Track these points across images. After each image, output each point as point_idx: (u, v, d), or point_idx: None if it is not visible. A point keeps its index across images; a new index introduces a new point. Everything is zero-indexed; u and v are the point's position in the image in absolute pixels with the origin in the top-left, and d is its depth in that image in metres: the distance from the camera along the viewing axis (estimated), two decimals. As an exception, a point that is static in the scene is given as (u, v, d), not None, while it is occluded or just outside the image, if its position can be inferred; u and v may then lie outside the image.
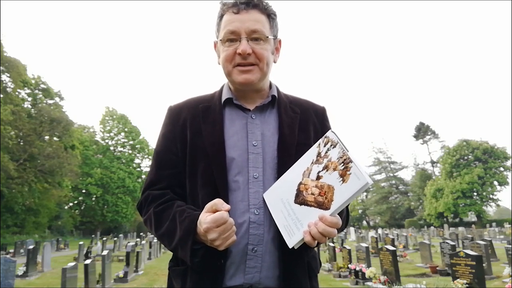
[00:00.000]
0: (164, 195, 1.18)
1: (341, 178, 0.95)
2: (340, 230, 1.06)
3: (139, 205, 1.24)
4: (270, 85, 1.30)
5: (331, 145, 1.01)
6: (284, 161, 1.15)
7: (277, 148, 1.17)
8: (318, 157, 1.03)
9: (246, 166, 1.14)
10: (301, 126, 1.24)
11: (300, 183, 1.04)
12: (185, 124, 1.23)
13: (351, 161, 0.95)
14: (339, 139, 1.00)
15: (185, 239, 1.05)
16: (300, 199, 1.02)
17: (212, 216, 0.98)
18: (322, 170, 1.01)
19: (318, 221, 0.96)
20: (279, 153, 1.16)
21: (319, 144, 1.05)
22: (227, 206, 1.00)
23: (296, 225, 1.00)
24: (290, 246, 1.01)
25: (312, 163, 1.04)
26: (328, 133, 1.04)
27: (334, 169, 0.98)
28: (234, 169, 1.14)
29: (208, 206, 1.02)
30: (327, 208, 0.96)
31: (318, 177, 1.01)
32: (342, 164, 0.97)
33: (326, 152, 1.02)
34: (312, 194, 1.00)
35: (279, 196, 1.07)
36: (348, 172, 0.95)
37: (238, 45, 1.15)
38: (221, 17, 1.21)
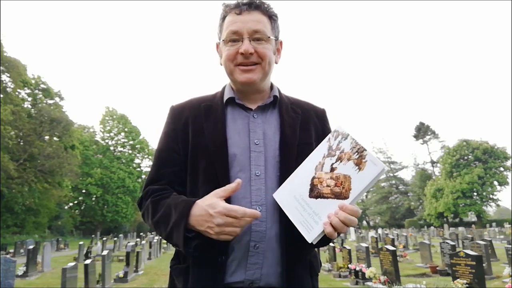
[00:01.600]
0: (163, 189, 1.19)
1: (357, 167, 0.97)
2: (323, 244, 1.08)
3: (139, 201, 1.26)
4: (272, 86, 1.32)
5: (342, 138, 1.03)
6: (286, 160, 1.17)
7: (279, 147, 1.19)
8: (330, 151, 1.05)
9: (248, 164, 1.15)
10: (302, 126, 1.26)
11: (314, 178, 1.04)
12: (187, 123, 1.24)
13: (365, 150, 0.97)
14: (348, 132, 1.02)
15: (179, 221, 1.05)
16: (315, 193, 1.02)
17: (231, 206, 1.00)
18: (336, 162, 1.02)
19: (338, 210, 0.96)
20: (281, 152, 1.18)
21: (329, 139, 1.07)
22: (250, 210, 1.01)
23: (313, 219, 1.00)
24: (310, 241, 1.00)
25: (323, 157, 1.05)
26: (337, 127, 1.06)
27: (349, 159, 0.99)
28: (236, 166, 1.15)
29: (220, 191, 1.03)
30: (345, 198, 0.97)
31: (332, 169, 1.02)
32: (356, 153, 0.99)
33: (338, 144, 1.03)
34: (328, 186, 1.00)
35: (291, 194, 1.06)
36: (363, 160, 0.96)
37: (240, 45, 1.16)
38: (223, 18, 1.23)
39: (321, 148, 1.08)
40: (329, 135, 1.07)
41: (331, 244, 11.53)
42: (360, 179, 0.96)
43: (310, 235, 0.99)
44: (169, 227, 1.08)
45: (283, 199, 1.08)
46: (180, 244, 1.05)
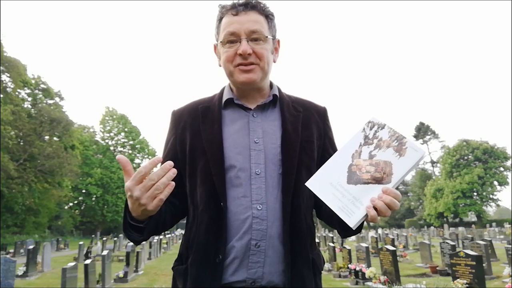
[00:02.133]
0: None
1: (398, 153, 1.00)
2: (356, 231, 1.08)
3: None
4: (271, 85, 1.32)
5: (378, 127, 1.05)
6: (288, 158, 1.16)
7: (281, 144, 1.19)
8: (367, 139, 1.06)
9: (248, 162, 1.16)
10: (304, 124, 1.26)
11: (351, 165, 1.04)
12: (185, 127, 1.25)
13: (404, 137, 1.00)
14: (384, 122, 1.05)
15: (124, 216, 1.07)
16: (354, 179, 1.02)
17: (133, 175, 0.95)
18: (374, 150, 1.03)
19: (382, 194, 0.97)
20: (283, 150, 1.18)
21: (363, 129, 1.08)
22: (152, 163, 0.96)
23: (354, 204, 1.00)
24: (352, 225, 0.99)
25: (360, 145, 1.06)
26: (371, 118, 1.08)
27: (388, 147, 1.02)
28: (236, 165, 1.15)
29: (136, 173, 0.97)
30: (387, 182, 0.99)
31: (372, 156, 1.03)
32: (396, 141, 1.01)
33: (375, 134, 1.05)
34: (368, 172, 1.01)
35: (327, 181, 1.05)
36: (404, 147, 1.00)
37: (238, 46, 1.17)
38: (220, 20, 1.23)
39: (356, 138, 1.08)
40: (363, 126, 1.08)
41: (331, 244, 11.53)
42: (402, 164, 0.99)
43: (352, 220, 0.99)
44: (124, 225, 1.10)
45: (317, 186, 1.06)
46: (126, 231, 1.08)
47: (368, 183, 1.01)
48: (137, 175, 0.95)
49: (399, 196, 0.98)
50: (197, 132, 1.22)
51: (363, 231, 32.82)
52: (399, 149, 1.00)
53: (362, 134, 1.07)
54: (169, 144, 1.29)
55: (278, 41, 1.31)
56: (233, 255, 1.10)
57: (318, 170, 1.08)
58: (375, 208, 0.96)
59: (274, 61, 1.29)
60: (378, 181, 1.00)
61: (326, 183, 1.05)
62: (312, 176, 1.08)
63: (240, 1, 1.20)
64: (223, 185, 1.13)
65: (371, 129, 1.06)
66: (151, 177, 0.95)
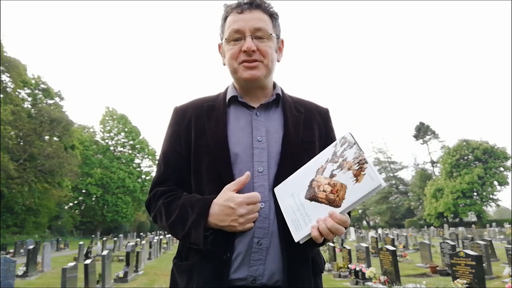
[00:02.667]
0: (172, 190, 1.22)
1: (355, 178, 0.98)
2: (320, 244, 1.10)
3: (147, 203, 1.27)
4: (274, 85, 1.33)
5: (348, 146, 1.04)
6: (288, 158, 1.17)
7: (282, 144, 1.20)
8: (334, 156, 1.06)
9: (251, 161, 1.16)
10: (305, 124, 1.27)
11: (313, 180, 1.06)
12: (190, 124, 1.26)
13: (366, 162, 0.98)
14: (355, 141, 1.03)
15: (198, 220, 1.08)
16: (311, 195, 1.04)
17: (248, 194, 1.06)
18: (336, 169, 1.03)
19: (327, 217, 0.98)
20: (283, 150, 1.19)
21: (335, 144, 1.08)
22: (257, 195, 1.08)
23: (304, 220, 1.02)
24: (296, 240, 1.02)
25: (327, 161, 1.06)
26: (346, 134, 1.07)
27: (349, 169, 1.00)
28: (239, 164, 1.16)
29: (231, 185, 1.09)
30: (337, 206, 0.99)
31: (332, 175, 1.03)
32: (357, 164, 0.99)
33: (343, 152, 1.04)
34: (324, 191, 1.02)
35: (290, 191, 1.09)
36: (362, 173, 0.97)
37: (243, 43, 1.18)
38: (225, 18, 1.25)
39: (327, 152, 1.09)
40: (337, 140, 1.08)
41: (331, 244, 11.51)
42: (355, 191, 0.97)
43: (298, 235, 1.02)
44: (187, 227, 1.10)
45: (282, 194, 1.10)
46: (200, 242, 1.08)
47: (321, 202, 1.01)
48: (254, 198, 1.07)
49: (345, 223, 0.98)
50: (202, 130, 1.22)
51: (363, 231, 32.82)
52: (357, 174, 0.98)
53: (333, 149, 1.07)
54: (171, 138, 1.29)
55: (282, 41, 1.32)
56: (236, 252, 1.11)
57: (288, 178, 1.11)
58: (319, 229, 0.98)
59: (278, 61, 1.30)
60: (330, 202, 1.00)
61: (289, 193, 1.08)
62: (282, 183, 1.12)
63: (245, 0, 1.21)
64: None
65: (341, 145, 1.06)
66: (258, 204, 1.08)
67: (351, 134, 1.05)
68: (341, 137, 1.08)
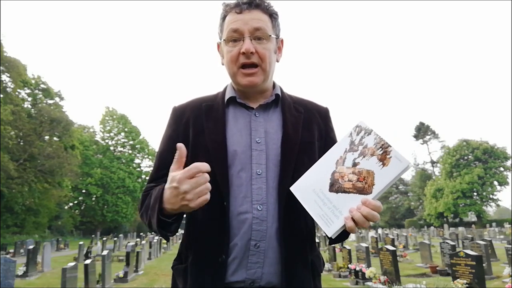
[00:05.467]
0: (156, 184, 1.16)
1: (381, 162, 0.96)
2: (341, 238, 1.10)
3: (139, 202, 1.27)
4: (274, 85, 1.32)
5: (365, 133, 1.02)
6: (288, 158, 1.16)
7: (281, 145, 1.18)
8: (352, 145, 1.03)
9: (249, 162, 1.15)
10: (304, 125, 1.25)
11: (334, 172, 1.03)
12: (188, 124, 1.24)
13: (389, 146, 0.97)
14: (371, 128, 1.02)
15: (154, 206, 1.03)
16: (336, 187, 1.01)
17: (187, 167, 0.94)
18: (358, 157, 1.01)
19: (361, 205, 0.95)
20: (283, 150, 1.17)
21: (350, 134, 1.05)
22: (206, 165, 0.94)
23: (334, 213, 0.99)
24: (330, 235, 0.99)
25: (345, 151, 1.04)
26: (359, 123, 1.05)
27: (372, 155, 0.99)
28: (237, 165, 1.15)
29: (172, 165, 0.98)
30: (368, 193, 0.96)
31: (355, 164, 1.01)
32: (380, 149, 0.98)
33: (361, 139, 1.02)
34: (350, 180, 1.00)
35: (310, 187, 1.05)
36: (388, 156, 0.96)
37: (242, 44, 1.16)
38: (223, 18, 1.23)
39: (342, 143, 1.06)
40: (351, 130, 1.06)
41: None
42: (384, 174, 0.96)
43: (330, 229, 0.98)
44: (148, 216, 1.08)
45: (301, 192, 1.06)
46: (155, 225, 1.03)
47: (349, 192, 0.99)
48: (193, 169, 0.92)
49: (379, 208, 0.96)
50: (200, 130, 1.21)
51: (363, 231, 32.79)
52: (383, 158, 0.96)
53: (349, 139, 1.05)
54: (168, 138, 1.27)
55: (282, 41, 1.30)
56: (233, 255, 1.10)
57: (304, 175, 1.08)
58: (354, 219, 0.95)
59: (278, 61, 1.29)
60: (359, 191, 0.98)
61: (309, 189, 1.05)
62: (297, 181, 1.08)
63: (244, 0, 1.19)
64: (227, 185, 1.12)
65: (357, 134, 1.04)
66: (205, 174, 0.94)
67: (364, 122, 1.04)
68: (355, 126, 1.05)
